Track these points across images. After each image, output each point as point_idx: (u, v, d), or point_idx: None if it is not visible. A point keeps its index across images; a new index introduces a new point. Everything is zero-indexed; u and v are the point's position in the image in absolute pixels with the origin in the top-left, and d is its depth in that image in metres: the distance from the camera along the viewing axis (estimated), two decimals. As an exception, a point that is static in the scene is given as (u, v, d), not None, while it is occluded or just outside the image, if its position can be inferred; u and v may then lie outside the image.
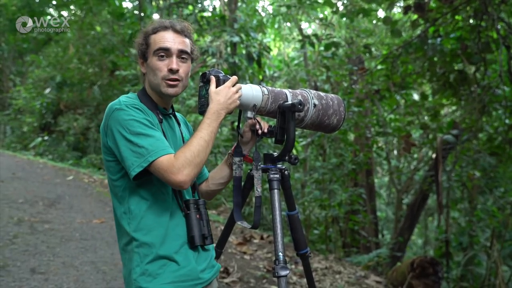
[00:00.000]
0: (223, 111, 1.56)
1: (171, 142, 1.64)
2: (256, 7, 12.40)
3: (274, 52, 14.46)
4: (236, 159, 1.74)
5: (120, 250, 1.64)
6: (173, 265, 1.56)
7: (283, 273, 1.54)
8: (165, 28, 1.63)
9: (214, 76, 1.60)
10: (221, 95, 1.57)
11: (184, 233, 1.61)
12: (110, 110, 1.55)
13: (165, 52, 1.60)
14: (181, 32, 1.64)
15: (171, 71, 1.59)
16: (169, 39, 1.61)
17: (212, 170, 1.92)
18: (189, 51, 1.65)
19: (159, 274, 1.54)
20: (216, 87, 1.59)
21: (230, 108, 1.58)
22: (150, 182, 1.57)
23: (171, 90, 1.61)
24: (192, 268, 1.59)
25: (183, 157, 1.46)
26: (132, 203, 1.57)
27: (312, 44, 8.49)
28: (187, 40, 1.65)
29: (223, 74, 1.60)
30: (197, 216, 1.62)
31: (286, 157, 1.69)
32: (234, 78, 1.61)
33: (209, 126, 1.54)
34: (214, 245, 1.76)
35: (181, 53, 1.62)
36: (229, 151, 1.84)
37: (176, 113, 1.81)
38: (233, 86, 1.59)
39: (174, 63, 1.59)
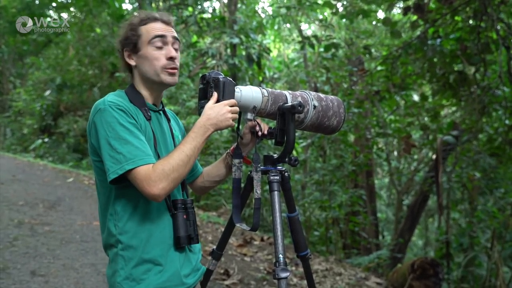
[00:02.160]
0: (212, 127, 1.53)
1: (160, 140, 1.63)
2: (256, 9, 12.41)
3: (274, 53, 14.47)
4: (236, 160, 1.73)
5: (104, 248, 1.63)
6: (158, 270, 1.54)
7: (283, 275, 1.54)
8: (155, 19, 1.62)
9: (216, 91, 1.57)
10: (214, 111, 1.54)
11: (170, 235, 1.59)
12: (95, 110, 1.52)
13: (162, 40, 1.59)
14: (169, 23, 1.64)
15: (171, 59, 1.59)
16: (162, 28, 1.61)
17: (208, 166, 1.92)
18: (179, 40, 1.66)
19: (143, 279, 1.53)
20: (217, 100, 1.57)
21: (219, 125, 1.54)
22: None
23: (170, 79, 1.61)
24: (175, 273, 1.57)
25: (160, 170, 1.43)
26: (119, 204, 1.55)
27: (312, 45, 8.49)
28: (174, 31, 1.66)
29: (223, 76, 1.59)
30: (184, 216, 1.59)
31: (286, 159, 1.69)
32: (233, 101, 1.58)
33: (193, 140, 1.50)
34: (200, 246, 1.76)
35: (175, 41, 1.62)
36: (228, 150, 1.83)
37: (166, 109, 1.79)
38: (230, 107, 1.57)
39: (173, 51, 1.60)
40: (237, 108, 1.58)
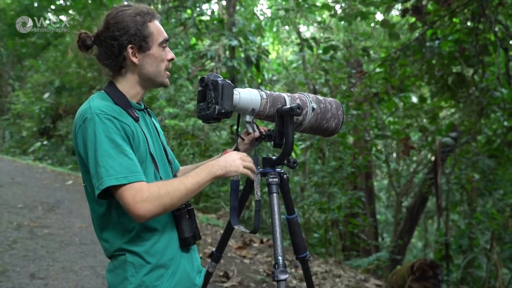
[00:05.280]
0: (219, 169, 1.50)
1: (152, 140, 1.58)
2: (255, 11, 12.42)
3: (273, 55, 14.48)
4: None
5: (109, 258, 1.56)
6: (169, 274, 1.51)
7: (282, 277, 1.54)
8: (156, 16, 1.58)
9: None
10: (225, 157, 1.55)
11: (176, 237, 1.56)
12: (81, 118, 1.43)
13: (166, 43, 1.59)
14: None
15: (171, 61, 1.60)
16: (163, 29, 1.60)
17: (189, 165, 1.89)
18: None
19: (157, 286, 1.48)
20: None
21: (228, 168, 1.52)
22: None
23: (168, 81, 1.63)
24: (186, 275, 1.56)
25: (154, 190, 1.37)
26: (121, 214, 1.47)
27: (311, 48, 8.50)
28: None
29: (222, 79, 1.59)
30: (187, 216, 1.57)
31: (285, 161, 1.69)
32: (246, 155, 1.59)
33: (197, 176, 1.47)
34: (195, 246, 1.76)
35: None
36: (219, 155, 1.83)
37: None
38: (243, 159, 1.57)
39: (171, 52, 1.61)
40: (249, 163, 1.57)
